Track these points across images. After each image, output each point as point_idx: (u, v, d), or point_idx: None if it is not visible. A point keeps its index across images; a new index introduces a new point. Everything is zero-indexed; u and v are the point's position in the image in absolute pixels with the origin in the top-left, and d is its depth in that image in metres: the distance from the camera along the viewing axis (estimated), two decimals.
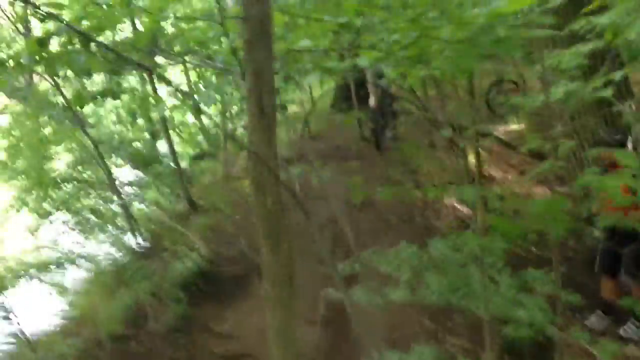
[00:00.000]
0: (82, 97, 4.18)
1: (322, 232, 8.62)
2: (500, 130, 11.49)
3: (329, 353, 7.33)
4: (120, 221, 11.29)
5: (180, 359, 7.65)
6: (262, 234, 2.93)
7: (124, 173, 14.74)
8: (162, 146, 15.69)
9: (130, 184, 13.65)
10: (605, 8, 3.75)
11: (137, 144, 16.85)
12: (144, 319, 8.20)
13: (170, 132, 11.76)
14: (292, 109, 16.02)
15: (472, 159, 9.43)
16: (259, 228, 2.97)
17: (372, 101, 11.24)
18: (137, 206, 12.43)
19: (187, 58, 5.64)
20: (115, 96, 5.26)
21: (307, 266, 8.24)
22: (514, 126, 11.28)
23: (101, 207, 11.94)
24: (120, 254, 10.66)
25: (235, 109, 9.60)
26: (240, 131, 12.23)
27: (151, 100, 9.35)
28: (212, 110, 16.58)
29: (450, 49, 3.03)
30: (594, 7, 3.88)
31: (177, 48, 5.51)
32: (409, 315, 7.03)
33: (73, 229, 11.71)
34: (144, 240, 9.82)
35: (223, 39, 4.77)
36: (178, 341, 7.79)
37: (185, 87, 13.95)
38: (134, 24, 9.57)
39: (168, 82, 5.50)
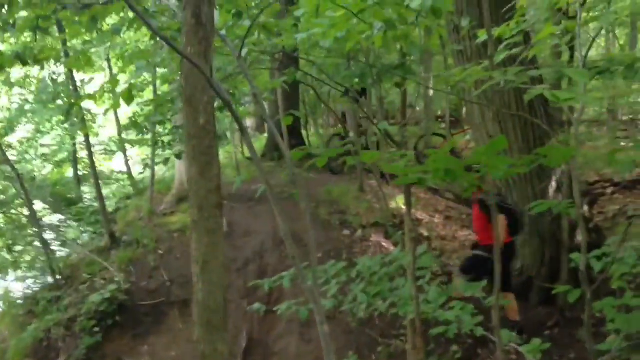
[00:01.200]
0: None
1: (248, 265, 8.55)
2: None
3: None
4: (38, 258, 10.86)
5: None
6: (192, 154, 2.70)
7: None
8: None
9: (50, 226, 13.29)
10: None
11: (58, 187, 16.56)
12: (55, 352, 7.78)
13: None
14: (222, 158, 16.07)
15: (400, 203, 9.68)
16: (187, 148, 2.73)
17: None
18: (56, 244, 12.05)
19: None
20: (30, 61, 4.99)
21: (231, 300, 8.08)
22: None
23: (18, 245, 11.48)
24: (36, 288, 10.23)
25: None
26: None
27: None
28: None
29: None
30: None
31: None
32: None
33: None
34: (62, 274, 9.37)
35: None
36: None
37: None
38: None
39: None
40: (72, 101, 7.26)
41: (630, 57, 3.57)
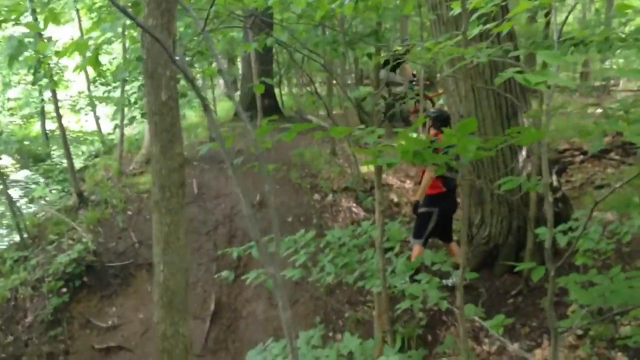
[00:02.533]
0: None
1: (217, 228, 8.53)
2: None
3: (217, 347, 7.20)
4: (5, 214, 10.68)
5: (57, 353, 7.24)
6: (154, 131, 2.62)
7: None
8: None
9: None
10: None
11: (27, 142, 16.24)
12: (22, 312, 7.72)
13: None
14: (193, 117, 15.89)
15: (372, 167, 9.67)
16: (150, 125, 2.66)
17: None
18: (23, 201, 11.85)
19: None
20: None
21: (201, 263, 8.08)
22: None
23: None
24: (3, 246, 10.08)
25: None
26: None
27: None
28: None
29: None
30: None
31: None
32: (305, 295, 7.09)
33: None
34: (28, 234, 9.23)
35: None
36: (57, 335, 7.37)
37: None
38: None
39: None
40: (40, 58, 7.04)
41: (605, 31, 3.54)
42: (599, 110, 12.64)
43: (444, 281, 6.40)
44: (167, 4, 2.48)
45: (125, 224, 8.98)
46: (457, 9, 3.69)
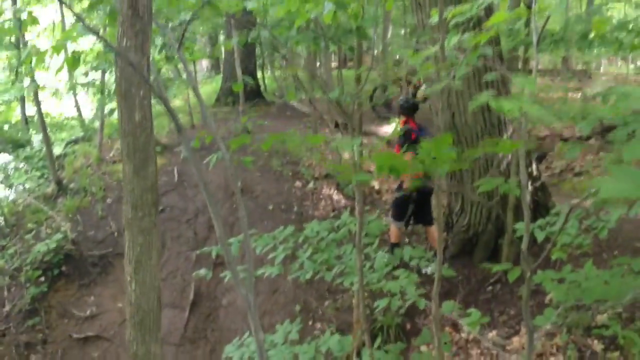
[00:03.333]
0: None
1: (198, 216, 8.48)
2: (383, 130, 11.87)
3: (196, 336, 7.19)
4: None
5: (35, 343, 7.20)
6: (127, 152, 2.60)
7: None
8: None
9: None
10: None
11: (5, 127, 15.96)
12: None
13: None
14: (177, 102, 15.73)
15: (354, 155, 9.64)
16: (122, 145, 2.64)
17: None
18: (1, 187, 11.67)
19: None
20: None
21: (180, 252, 8.05)
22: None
23: None
24: None
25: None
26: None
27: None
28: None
29: None
30: None
31: None
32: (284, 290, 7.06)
33: None
34: (6, 222, 9.12)
35: None
36: (35, 325, 7.32)
37: None
38: None
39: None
40: (21, 57, 6.92)
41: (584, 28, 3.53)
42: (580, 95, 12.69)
43: (423, 270, 6.45)
44: (141, 25, 2.43)
45: (105, 212, 8.90)
46: (435, 17, 3.65)
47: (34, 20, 3.80)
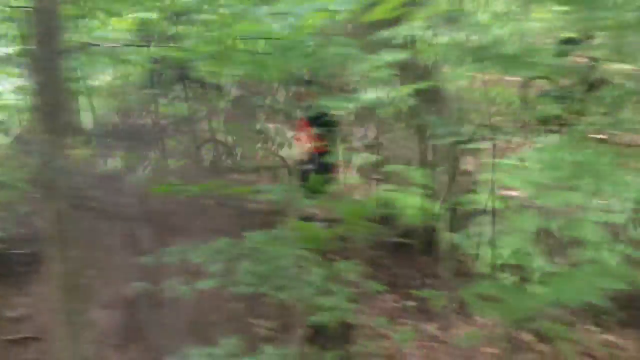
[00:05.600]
0: None
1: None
2: None
3: (136, 336, 7.10)
4: None
5: None
6: (50, 241, 2.65)
7: None
8: None
9: None
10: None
11: None
12: None
13: None
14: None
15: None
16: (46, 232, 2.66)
17: None
18: None
19: None
20: None
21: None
22: None
23: None
24: None
25: None
26: None
27: None
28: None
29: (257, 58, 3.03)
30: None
31: None
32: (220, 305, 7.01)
33: None
34: None
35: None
36: None
37: None
38: None
39: None
40: None
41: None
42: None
43: None
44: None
45: (30, 207, 8.57)
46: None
47: None
